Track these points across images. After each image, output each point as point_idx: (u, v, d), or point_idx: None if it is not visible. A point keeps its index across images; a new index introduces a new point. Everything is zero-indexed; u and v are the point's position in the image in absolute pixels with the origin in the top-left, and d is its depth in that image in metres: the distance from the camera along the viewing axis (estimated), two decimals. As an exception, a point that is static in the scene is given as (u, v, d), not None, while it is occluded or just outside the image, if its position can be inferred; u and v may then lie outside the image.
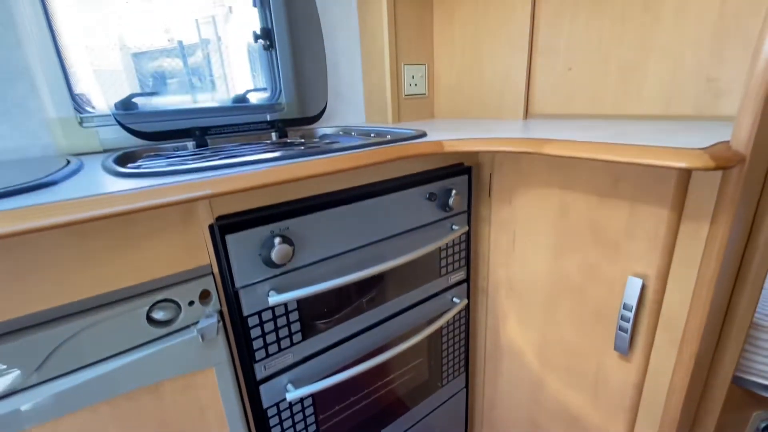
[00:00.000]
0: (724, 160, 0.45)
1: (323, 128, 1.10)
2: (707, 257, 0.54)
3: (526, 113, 1.02)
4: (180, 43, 0.99)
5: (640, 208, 0.59)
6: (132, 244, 0.48)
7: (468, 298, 0.90)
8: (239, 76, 1.09)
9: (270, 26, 1.04)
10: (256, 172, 0.49)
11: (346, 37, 1.19)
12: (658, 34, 0.75)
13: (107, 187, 0.44)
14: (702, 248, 0.55)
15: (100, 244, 0.46)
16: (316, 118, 1.10)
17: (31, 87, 0.79)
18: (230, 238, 0.52)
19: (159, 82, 0.97)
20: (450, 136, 0.74)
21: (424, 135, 0.77)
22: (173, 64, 0.98)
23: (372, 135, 0.94)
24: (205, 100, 1.04)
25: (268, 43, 1.05)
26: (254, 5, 1.03)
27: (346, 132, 1.05)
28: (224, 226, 0.51)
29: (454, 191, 0.76)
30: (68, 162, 0.64)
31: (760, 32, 0.45)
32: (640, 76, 0.79)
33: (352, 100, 1.26)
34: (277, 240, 0.54)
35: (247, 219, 0.53)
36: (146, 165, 0.69)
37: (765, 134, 0.49)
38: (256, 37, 1.04)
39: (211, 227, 0.52)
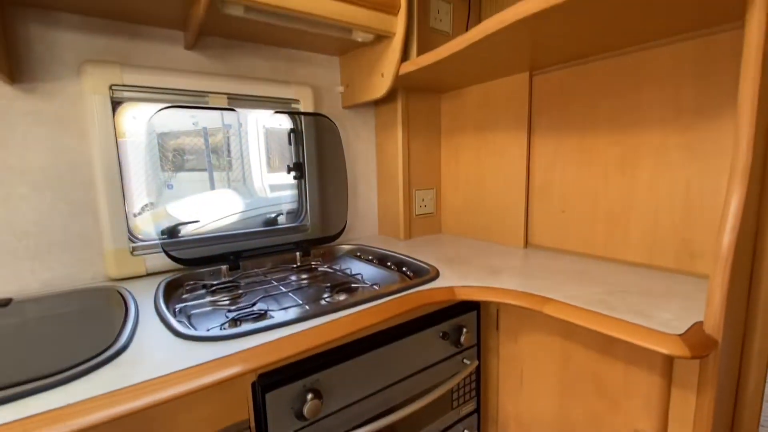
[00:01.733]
0: (699, 349, 0.53)
1: (342, 245, 1.21)
2: (699, 420, 0.60)
3: (527, 242, 1.13)
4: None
5: (634, 370, 0.66)
6: (176, 408, 0.54)
7: (478, 430, 0.92)
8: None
9: (302, 161, 1.20)
10: (299, 335, 0.58)
11: (364, 165, 1.36)
12: (637, 195, 0.88)
13: (173, 358, 0.51)
14: (693, 411, 0.61)
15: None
16: (336, 236, 1.21)
17: (95, 221, 0.91)
18: (269, 396, 0.58)
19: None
20: (460, 277, 0.83)
21: (436, 275, 0.86)
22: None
23: (389, 264, 1.04)
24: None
25: (299, 174, 1.20)
26: (289, 143, 1.20)
27: (363, 252, 1.16)
28: (265, 385, 0.58)
29: (465, 329, 0.83)
30: (125, 304, 0.73)
31: (720, 221, 0.56)
32: (625, 227, 0.91)
33: (368, 215, 1.39)
34: (309, 396, 0.60)
35: (283, 376, 0.60)
36: (193, 308, 0.78)
37: (734, 312, 0.58)
38: (289, 170, 1.20)
39: (253, 385, 0.58)
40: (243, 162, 1.18)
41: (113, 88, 0.88)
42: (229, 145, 1.12)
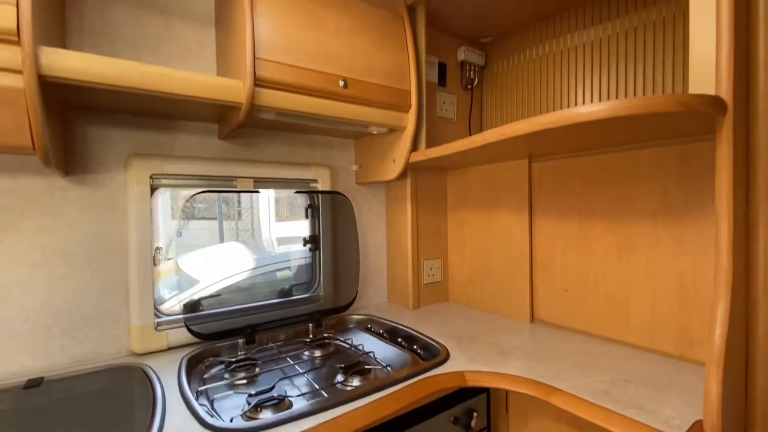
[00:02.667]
0: (700, 454, 0.56)
1: (353, 315, 1.25)
2: None
3: (533, 317, 1.17)
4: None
5: (641, 466, 0.68)
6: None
7: None
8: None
9: (317, 233, 1.28)
10: (319, 427, 0.61)
11: (375, 235, 1.43)
12: (634, 281, 0.94)
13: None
14: None
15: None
16: (347, 306, 1.26)
17: (125, 298, 0.97)
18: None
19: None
20: (469, 359, 0.86)
21: (446, 357, 0.90)
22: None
23: (400, 340, 1.07)
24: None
25: (314, 246, 1.28)
26: (306, 217, 1.29)
27: (373, 324, 1.20)
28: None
29: (475, 413, 0.85)
30: (151, 386, 0.77)
31: (710, 324, 0.60)
32: (625, 310, 0.96)
33: (378, 283, 1.44)
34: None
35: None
36: (214, 391, 0.82)
37: (733, 405, 0.61)
38: (305, 242, 1.27)
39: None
40: (252, 211, 1.24)
41: (153, 176, 0.98)
42: (239, 195, 1.19)
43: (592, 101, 1.16)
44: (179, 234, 1.08)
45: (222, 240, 1.19)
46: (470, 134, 1.44)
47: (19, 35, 0.62)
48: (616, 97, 1.10)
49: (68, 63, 0.66)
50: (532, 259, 1.16)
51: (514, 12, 1.23)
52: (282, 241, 1.36)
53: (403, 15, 1.11)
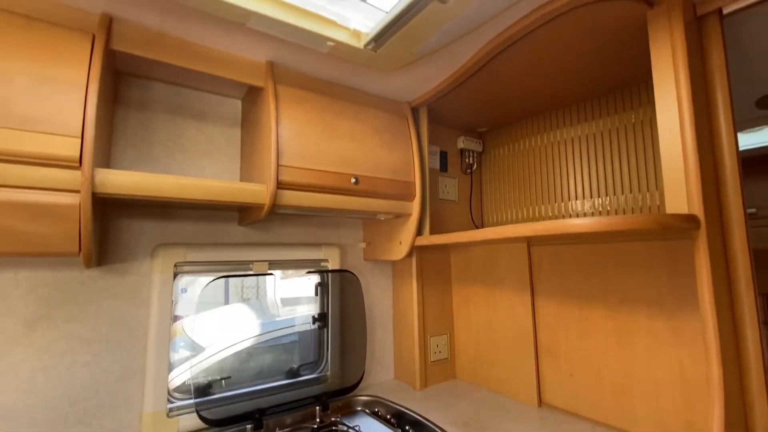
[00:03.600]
0: None
1: (359, 397, 1.25)
2: None
3: (540, 400, 1.17)
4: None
5: None
6: None
7: None
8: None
9: (326, 311, 1.32)
10: None
11: (382, 310, 1.47)
12: (636, 369, 0.96)
13: None
14: None
15: None
16: (354, 387, 1.26)
17: (140, 384, 0.99)
18: None
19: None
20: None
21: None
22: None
23: (407, 428, 1.07)
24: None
25: (323, 324, 1.31)
26: (315, 295, 1.34)
27: (380, 407, 1.20)
28: None
29: None
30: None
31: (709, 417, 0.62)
32: (630, 399, 0.97)
33: (384, 359, 1.45)
34: None
35: None
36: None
37: None
38: (314, 320, 1.31)
39: None
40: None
41: (177, 264, 1.05)
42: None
43: (583, 190, 1.25)
44: (183, 290, 1.12)
45: (227, 298, 1.23)
46: (471, 214, 1.53)
47: (81, 162, 0.72)
48: (605, 188, 1.20)
49: (117, 180, 0.76)
50: (536, 341, 1.19)
51: (505, 111, 1.36)
52: (287, 302, 1.40)
53: (407, 116, 1.25)
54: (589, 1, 0.76)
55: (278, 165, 0.94)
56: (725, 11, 0.78)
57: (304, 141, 1.00)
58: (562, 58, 1.00)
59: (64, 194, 0.72)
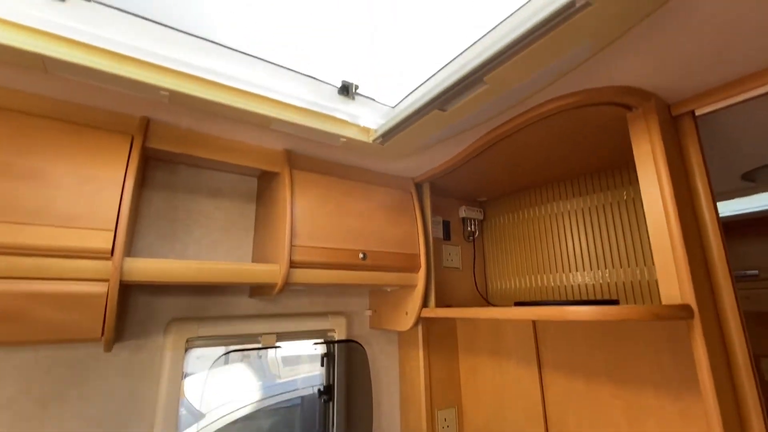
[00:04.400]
0: None
1: (365, 476, 1.21)
2: None
3: (553, 483, 1.13)
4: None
5: None
6: None
7: None
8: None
9: (332, 383, 1.32)
10: None
11: (388, 379, 1.46)
12: (650, 452, 0.94)
13: None
14: None
15: None
16: (360, 465, 1.22)
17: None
18: None
19: None
20: None
21: None
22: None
23: None
24: None
25: (328, 397, 1.30)
26: (321, 365, 1.34)
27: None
28: None
29: None
30: None
31: None
32: (647, 486, 0.94)
33: (390, 433, 1.41)
34: None
35: None
36: None
37: None
38: (320, 393, 1.30)
39: None
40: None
41: (189, 339, 1.08)
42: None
43: (582, 262, 1.29)
44: (189, 375, 1.12)
45: (227, 358, 1.23)
46: (475, 281, 1.56)
47: (112, 252, 0.78)
48: (603, 260, 1.24)
49: (144, 268, 0.82)
50: (546, 419, 1.17)
51: (503, 184, 1.45)
52: (288, 361, 1.39)
53: (412, 192, 1.33)
54: (573, 107, 0.85)
55: (291, 245, 0.99)
56: (697, 113, 0.87)
57: (316, 221, 1.07)
58: (554, 145, 1.09)
59: (94, 283, 0.77)
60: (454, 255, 1.50)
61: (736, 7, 0.61)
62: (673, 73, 0.79)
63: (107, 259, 0.78)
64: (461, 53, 0.86)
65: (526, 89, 0.79)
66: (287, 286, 1.00)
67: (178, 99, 0.79)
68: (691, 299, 0.74)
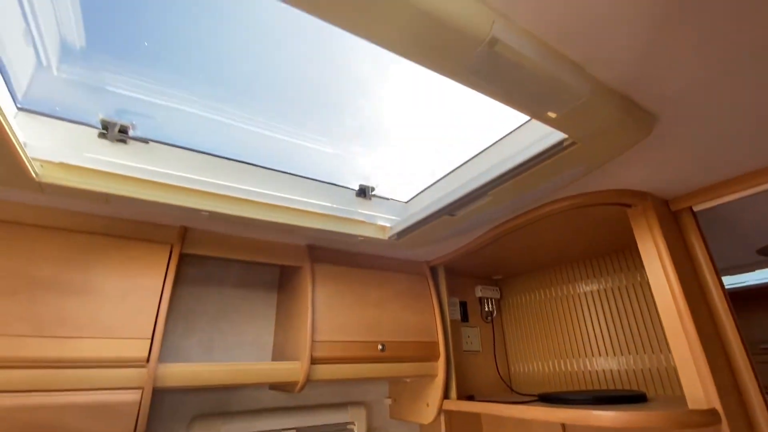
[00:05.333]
0: None
1: None
2: None
3: None
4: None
5: None
6: None
7: None
8: None
9: (352, 482, 1.25)
10: None
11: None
12: None
13: None
14: None
15: None
16: None
17: None
18: None
19: None
20: None
21: None
22: None
23: None
24: None
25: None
26: (341, 461, 1.29)
27: None
28: None
29: None
30: None
31: None
32: None
33: None
34: None
35: None
36: None
37: None
38: (340, 494, 1.24)
39: None
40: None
41: (210, 439, 1.07)
42: None
43: (605, 347, 1.27)
44: None
45: None
46: (496, 365, 1.53)
47: (148, 360, 0.83)
48: (626, 345, 1.21)
49: (177, 374, 0.86)
50: None
51: (517, 264, 1.48)
52: None
53: (427, 275, 1.37)
54: (572, 208, 0.92)
55: (312, 341, 1.03)
56: (696, 209, 0.92)
57: (336, 314, 1.11)
58: (562, 233, 1.14)
59: (128, 392, 0.81)
60: (474, 337, 1.50)
61: (719, 124, 0.67)
62: (667, 178, 0.85)
63: (142, 366, 0.83)
64: (465, 163, 0.95)
65: (527, 199, 0.86)
66: (309, 383, 1.01)
67: (216, 216, 0.88)
68: (715, 401, 0.73)
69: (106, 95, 0.83)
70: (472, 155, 0.95)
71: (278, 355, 1.21)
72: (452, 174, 0.98)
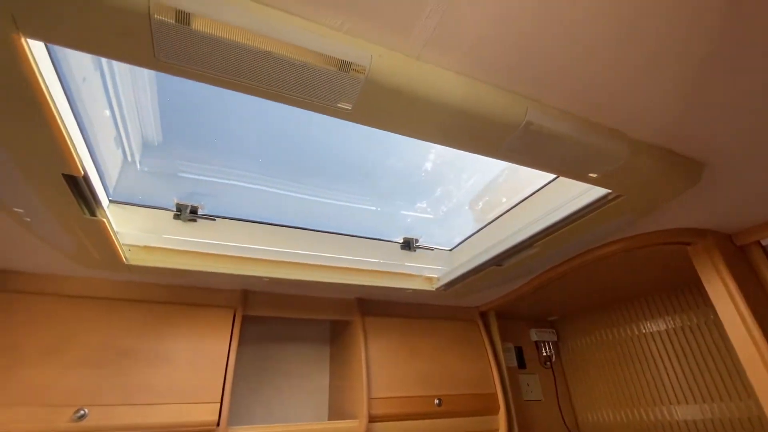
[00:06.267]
0: None
1: None
2: None
3: None
4: None
5: None
6: None
7: None
8: None
9: None
10: None
11: None
12: None
13: None
14: None
15: None
16: None
17: None
18: None
19: None
20: None
21: None
22: None
23: None
24: None
25: None
26: None
27: None
28: None
29: None
30: None
31: None
32: None
33: None
34: None
35: None
36: None
37: None
38: None
39: None
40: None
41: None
42: None
43: (683, 393, 1.16)
44: None
45: None
46: (561, 413, 1.43)
47: (218, 424, 0.88)
48: (707, 391, 1.11)
49: (244, 437, 0.90)
50: None
51: (572, 305, 1.42)
52: None
53: (478, 322, 1.35)
54: (626, 251, 0.89)
55: (369, 398, 1.03)
56: (765, 243, 0.86)
57: (390, 368, 1.11)
58: (620, 272, 1.10)
59: (203, 456, 0.85)
60: (534, 385, 1.42)
61: None
62: (726, 213, 0.81)
63: (212, 430, 0.87)
64: (508, 210, 0.96)
65: (577, 246, 0.85)
66: (368, 443, 1.01)
67: (275, 281, 0.95)
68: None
69: (179, 181, 0.94)
70: (515, 202, 0.96)
71: (335, 412, 1.22)
72: (498, 220, 0.99)
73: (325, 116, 0.44)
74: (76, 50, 0.35)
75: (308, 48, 0.36)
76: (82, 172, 0.51)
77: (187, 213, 0.89)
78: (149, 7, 0.31)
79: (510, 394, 1.26)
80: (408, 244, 1.12)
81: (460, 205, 1.12)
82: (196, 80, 0.38)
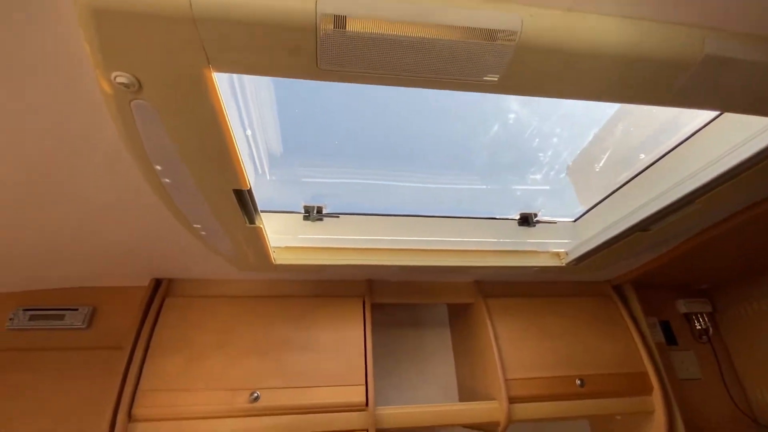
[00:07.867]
0: None
1: None
2: None
3: None
4: None
5: None
6: None
7: None
8: None
9: None
10: None
11: None
12: None
13: None
14: None
15: None
16: None
17: None
18: None
19: None
20: None
21: None
22: None
23: None
24: None
25: None
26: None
27: None
28: None
29: None
30: None
31: None
32: None
33: None
34: None
35: None
36: None
37: None
38: None
39: None
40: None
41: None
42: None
43: None
44: None
45: None
46: (728, 392, 1.24)
47: (367, 404, 0.94)
48: None
49: (394, 417, 0.95)
50: None
51: (728, 269, 1.21)
52: None
53: (612, 296, 1.23)
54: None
55: (505, 379, 1.01)
56: None
57: (523, 349, 1.08)
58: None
59: (356, 433, 0.93)
60: (689, 363, 1.25)
61: None
62: None
63: (363, 410, 0.94)
64: (644, 170, 0.85)
65: (746, 199, 0.71)
66: (511, 423, 1.00)
67: (402, 268, 0.98)
68: None
69: (303, 185, 1.03)
70: (651, 160, 0.84)
71: (466, 393, 1.23)
72: (630, 183, 0.89)
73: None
74: (252, 74, 0.40)
75: (457, 24, 0.35)
76: (249, 186, 0.58)
77: (314, 214, 0.97)
78: (316, 20, 0.34)
79: (663, 373, 1.13)
80: (526, 220, 1.06)
81: (579, 170, 1.02)
82: (356, 82, 0.40)
